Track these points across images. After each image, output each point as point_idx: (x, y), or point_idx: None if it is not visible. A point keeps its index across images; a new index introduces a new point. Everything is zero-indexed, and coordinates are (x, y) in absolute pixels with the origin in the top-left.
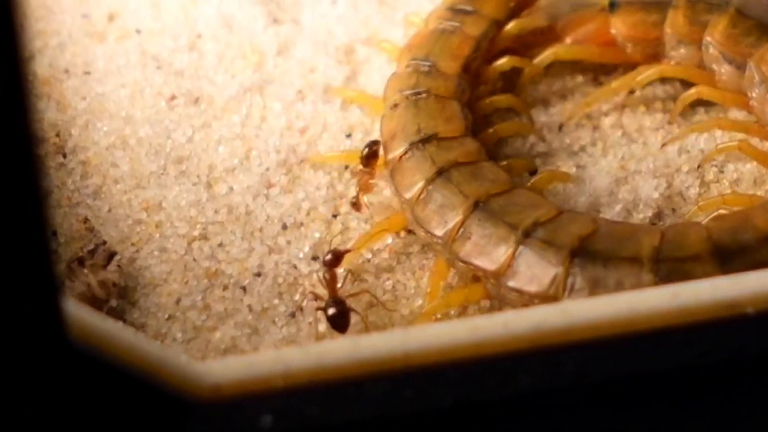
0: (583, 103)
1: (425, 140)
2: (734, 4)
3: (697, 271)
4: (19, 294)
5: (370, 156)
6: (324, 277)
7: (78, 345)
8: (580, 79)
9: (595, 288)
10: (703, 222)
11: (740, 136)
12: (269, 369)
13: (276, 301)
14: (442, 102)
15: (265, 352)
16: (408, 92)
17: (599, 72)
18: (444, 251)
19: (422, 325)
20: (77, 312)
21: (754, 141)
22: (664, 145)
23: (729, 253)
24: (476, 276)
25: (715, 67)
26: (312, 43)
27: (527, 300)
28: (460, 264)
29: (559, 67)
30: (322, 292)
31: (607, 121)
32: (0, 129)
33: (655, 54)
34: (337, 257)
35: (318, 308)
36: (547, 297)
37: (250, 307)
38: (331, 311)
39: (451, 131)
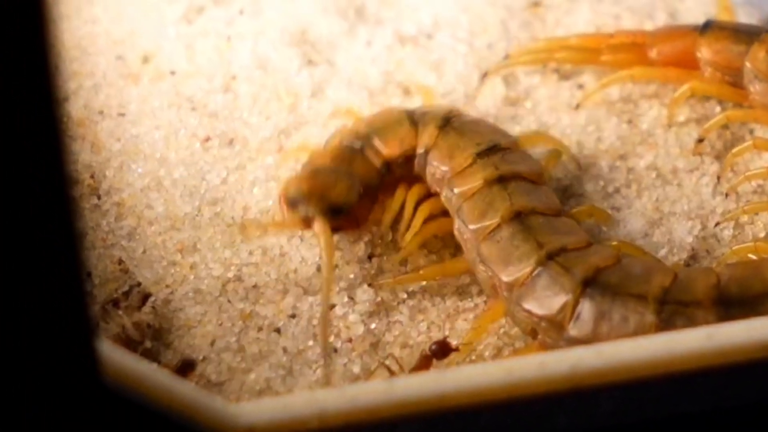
0: (601, 84)
1: (490, 150)
2: None
3: (698, 317)
4: (54, 335)
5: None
6: (419, 361)
7: (113, 386)
8: (614, 120)
9: (600, 320)
10: (718, 269)
11: None
12: (304, 410)
13: (311, 343)
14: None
15: (299, 394)
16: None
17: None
18: (472, 248)
19: (457, 367)
20: (112, 353)
21: None
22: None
23: (733, 302)
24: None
25: None
26: (346, 84)
27: (535, 322)
28: (481, 267)
29: (593, 110)
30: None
31: (641, 163)
32: (36, 171)
33: (733, 83)
34: (445, 351)
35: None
36: (554, 322)
37: (284, 349)
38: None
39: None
